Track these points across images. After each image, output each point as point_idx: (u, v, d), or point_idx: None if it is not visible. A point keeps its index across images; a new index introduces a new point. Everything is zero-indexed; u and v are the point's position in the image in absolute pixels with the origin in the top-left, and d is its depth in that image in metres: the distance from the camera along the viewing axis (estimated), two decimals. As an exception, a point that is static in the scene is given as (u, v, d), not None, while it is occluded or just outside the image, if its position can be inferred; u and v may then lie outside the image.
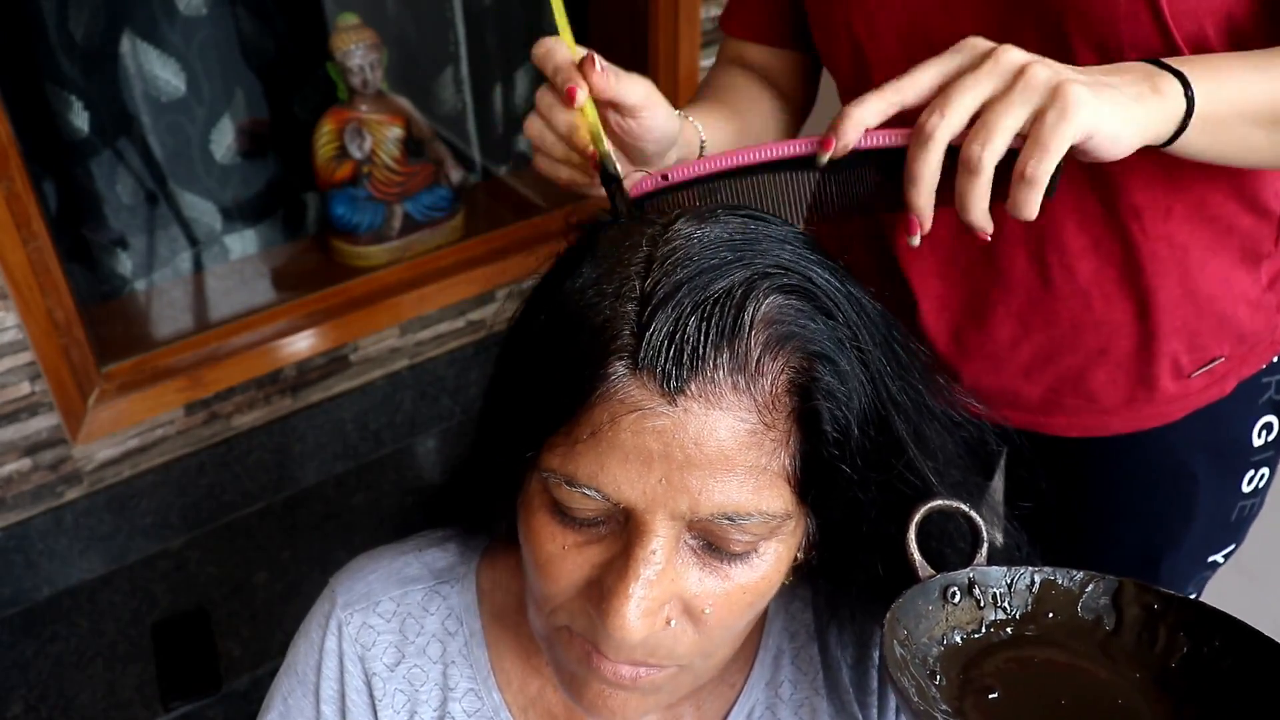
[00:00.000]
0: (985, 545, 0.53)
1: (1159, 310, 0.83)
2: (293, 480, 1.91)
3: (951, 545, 0.59)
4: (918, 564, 0.53)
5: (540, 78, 0.69)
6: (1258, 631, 0.48)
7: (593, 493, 0.51)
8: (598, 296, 0.52)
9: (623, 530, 0.53)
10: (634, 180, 0.68)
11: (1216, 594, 0.97)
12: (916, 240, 0.63)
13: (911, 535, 0.53)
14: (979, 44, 0.61)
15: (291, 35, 1.87)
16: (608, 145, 0.66)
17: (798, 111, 0.94)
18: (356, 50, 1.79)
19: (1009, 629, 0.53)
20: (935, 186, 0.61)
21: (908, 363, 0.58)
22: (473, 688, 0.69)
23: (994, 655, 0.52)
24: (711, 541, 0.53)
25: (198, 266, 1.93)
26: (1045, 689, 0.50)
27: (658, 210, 0.59)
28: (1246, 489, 0.93)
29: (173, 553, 1.80)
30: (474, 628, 0.70)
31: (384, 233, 1.92)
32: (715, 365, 0.49)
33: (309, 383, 1.85)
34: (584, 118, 0.66)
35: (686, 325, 0.49)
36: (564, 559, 0.55)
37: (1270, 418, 0.91)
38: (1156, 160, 0.76)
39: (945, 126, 0.58)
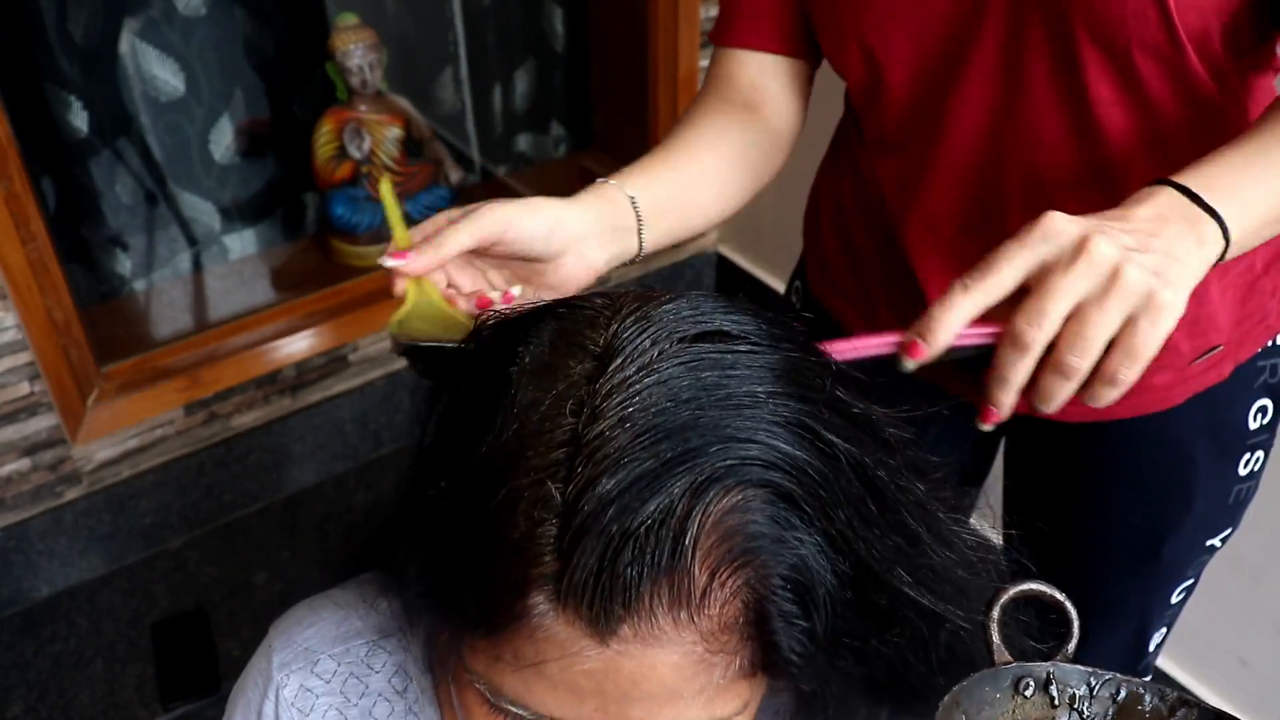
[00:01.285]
0: (1074, 640, 0.49)
1: None
2: (292, 480, 1.91)
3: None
4: (995, 648, 0.48)
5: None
6: None
7: (521, 711, 0.46)
8: (513, 495, 0.44)
9: None
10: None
11: (1217, 594, 0.97)
12: (989, 428, 0.60)
13: (994, 618, 0.48)
14: (1065, 231, 0.57)
15: (291, 35, 1.87)
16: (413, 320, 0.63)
17: (780, 143, 0.90)
18: (356, 50, 1.79)
19: None
20: (1022, 385, 0.59)
21: (905, 496, 0.50)
22: None
23: None
24: None
25: (197, 266, 1.93)
26: None
27: (592, 312, 0.49)
28: (1243, 472, 0.93)
29: (172, 553, 1.80)
30: (424, 683, 0.65)
31: (383, 233, 1.92)
32: (653, 604, 0.42)
33: (308, 383, 1.85)
34: (406, 299, 0.63)
35: (617, 560, 0.42)
36: None
37: (1265, 400, 0.91)
38: (1161, 152, 0.76)
39: (1044, 338, 0.56)
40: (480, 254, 0.68)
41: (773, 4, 0.88)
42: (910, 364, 0.58)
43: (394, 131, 1.87)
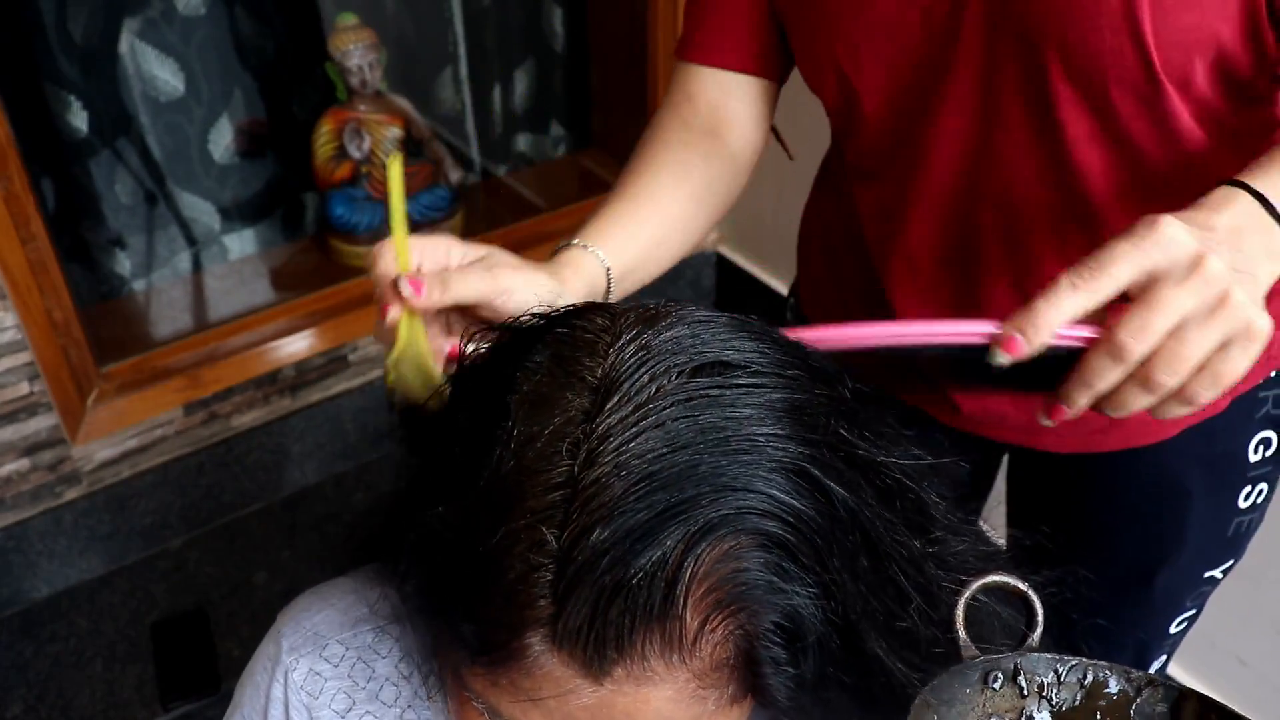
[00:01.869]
0: (1038, 630, 0.49)
1: None
2: (292, 480, 1.91)
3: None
4: (963, 644, 0.49)
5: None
6: None
7: None
8: (510, 538, 0.44)
9: None
10: None
11: (1216, 594, 0.97)
12: (1050, 423, 0.59)
13: (959, 614, 0.49)
14: (1181, 243, 0.55)
15: (291, 35, 1.87)
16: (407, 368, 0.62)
17: (740, 169, 0.88)
18: (355, 50, 1.79)
19: None
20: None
21: (898, 551, 0.50)
22: None
23: None
24: None
25: (196, 266, 1.93)
26: None
27: (591, 335, 0.48)
28: (1243, 504, 0.91)
29: (172, 553, 1.80)
30: (429, 669, 0.65)
31: (383, 233, 1.91)
32: (645, 649, 0.44)
33: (308, 383, 1.85)
34: (398, 335, 0.60)
35: (609, 608, 0.43)
36: None
37: (1268, 433, 0.89)
38: (1141, 194, 0.74)
39: (1146, 352, 0.55)
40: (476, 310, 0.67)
41: (741, 21, 0.84)
42: (1004, 359, 0.56)
43: (394, 131, 1.87)
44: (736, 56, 0.85)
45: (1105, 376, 0.55)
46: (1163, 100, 0.69)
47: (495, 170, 2.22)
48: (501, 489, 0.45)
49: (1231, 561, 0.95)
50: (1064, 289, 0.55)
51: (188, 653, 1.64)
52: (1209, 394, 0.55)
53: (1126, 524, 0.93)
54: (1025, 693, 0.49)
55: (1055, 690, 0.49)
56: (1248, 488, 0.90)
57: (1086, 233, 0.77)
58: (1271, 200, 0.59)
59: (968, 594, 0.49)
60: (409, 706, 0.66)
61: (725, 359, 0.47)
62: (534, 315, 0.52)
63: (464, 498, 0.47)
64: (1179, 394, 0.55)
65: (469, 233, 2.01)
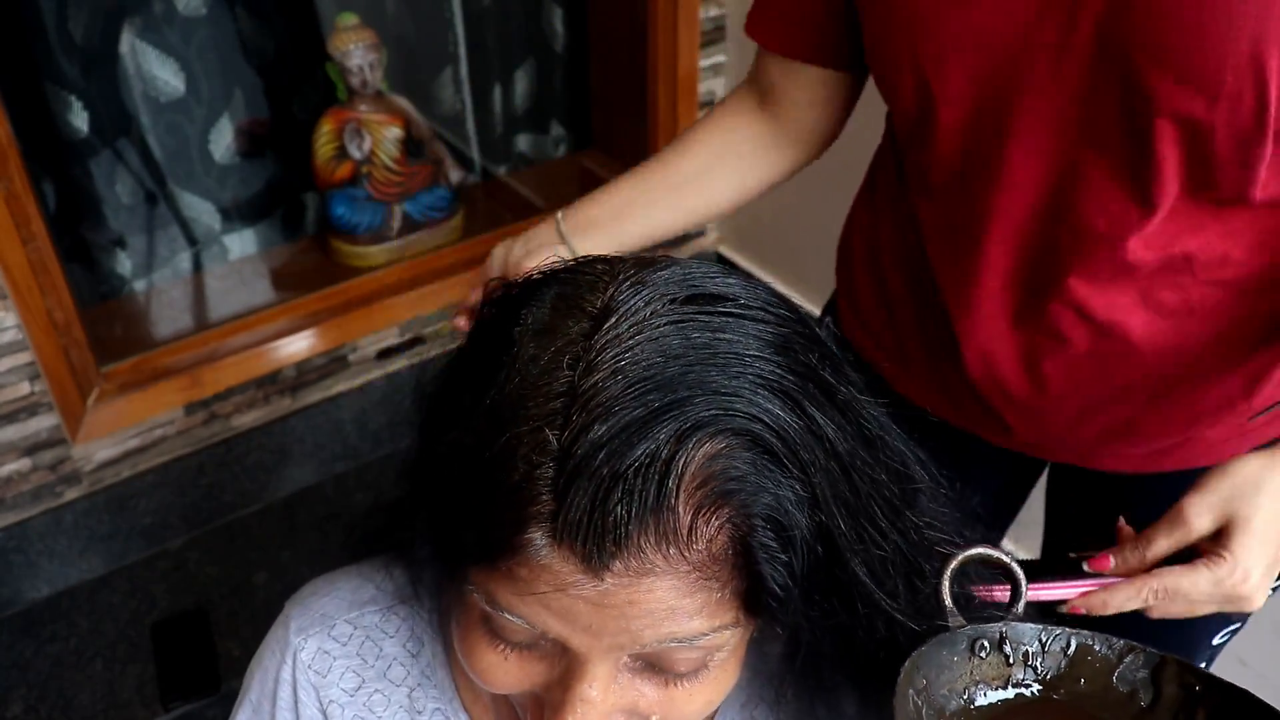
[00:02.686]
0: (1023, 600, 0.51)
1: (1209, 355, 0.79)
2: (292, 480, 1.91)
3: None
4: (949, 612, 0.51)
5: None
6: None
7: (519, 621, 0.49)
8: (514, 442, 0.47)
9: (561, 654, 0.51)
10: None
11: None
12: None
13: (946, 583, 0.51)
14: (1248, 586, 0.68)
15: (291, 35, 1.87)
16: None
17: (790, 149, 0.87)
18: (356, 50, 1.79)
19: (1036, 690, 0.50)
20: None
21: (884, 496, 0.52)
22: (439, 708, 0.67)
23: (1016, 717, 0.49)
24: (655, 661, 0.50)
25: (197, 266, 1.93)
26: None
27: (592, 276, 0.52)
28: None
29: (172, 553, 1.80)
30: (436, 648, 0.67)
31: (383, 233, 1.92)
32: (641, 540, 0.45)
33: (308, 383, 1.85)
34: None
35: (607, 500, 0.45)
36: (503, 671, 0.53)
37: None
38: (1213, 212, 0.72)
39: (1144, 606, 0.70)
40: None
41: (807, 8, 0.81)
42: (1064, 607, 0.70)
43: (394, 131, 1.87)
44: (796, 44, 0.83)
45: (1122, 605, 0.69)
46: (1259, 147, 0.67)
47: (495, 170, 2.22)
48: (507, 403, 0.48)
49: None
50: (1125, 592, 0.69)
51: (188, 653, 1.64)
52: (1169, 610, 0.70)
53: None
54: (1011, 661, 0.50)
55: (1040, 658, 0.51)
56: None
57: (1172, 273, 0.75)
58: None
59: (953, 565, 0.51)
60: (417, 685, 0.67)
61: (716, 292, 0.50)
62: (540, 271, 0.55)
63: (471, 418, 0.49)
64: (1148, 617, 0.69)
65: (469, 232, 2.01)
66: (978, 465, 0.94)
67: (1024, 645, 0.51)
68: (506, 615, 0.49)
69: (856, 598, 0.51)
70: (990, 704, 0.50)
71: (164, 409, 1.71)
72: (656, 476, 0.45)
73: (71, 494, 1.68)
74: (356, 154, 1.86)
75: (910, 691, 0.47)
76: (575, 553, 0.46)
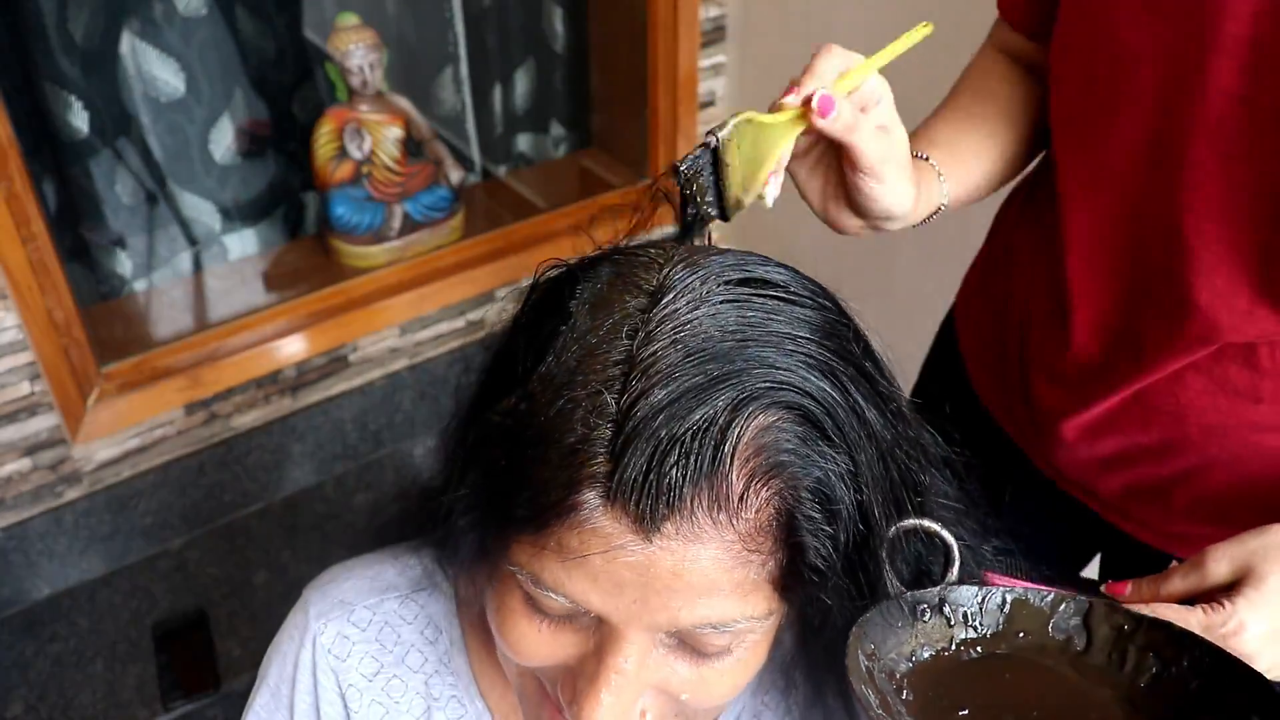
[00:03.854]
0: (957, 565, 0.53)
1: (1259, 454, 0.78)
2: (293, 480, 1.91)
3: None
4: (888, 581, 0.53)
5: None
6: (1225, 653, 0.49)
7: (560, 599, 0.50)
8: (571, 404, 0.48)
9: (596, 627, 0.51)
10: None
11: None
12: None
13: (884, 553, 0.53)
14: (1236, 625, 0.62)
15: (291, 35, 1.87)
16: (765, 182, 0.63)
17: (1038, 99, 0.86)
18: (356, 50, 1.79)
19: (979, 647, 0.53)
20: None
21: (915, 483, 0.54)
22: (455, 695, 0.68)
23: (964, 673, 0.51)
24: (689, 640, 0.51)
25: (197, 266, 1.93)
26: (1015, 707, 0.50)
27: (646, 258, 0.53)
28: None
29: (173, 553, 1.80)
30: (454, 635, 0.68)
31: (383, 233, 1.92)
32: (694, 503, 0.46)
33: (308, 383, 1.85)
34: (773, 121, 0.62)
35: (664, 462, 0.46)
36: (538, 643, 0.53)
37: None
38: None
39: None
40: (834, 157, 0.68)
41: None
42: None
43: (394, 131, 1.88)
44: (1024, 20, 0.84)
45: None
46: None
47: (496, 170, 2.22)
48: (563, 371, 0.49)
49: None
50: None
51: (188, 653, 1.64)
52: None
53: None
54: (952, 622, 0.53)
55: (979, 617, 0.53)
56: None
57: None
58: None
59: (889, 535, 0.53)
60: (434, 672, 0.68)
61: (767, 278, 0.52)
62: (593, 251, 0.57)
63: (526, 385, 0.50)
64: None
65: (469, 232, 2.01)
66: (1028, 499, 0.95)
67: (963, 606, 0.53)
68: (550, 594, 0.49)
69: (878, 580, 0.52)
70: (938, 663, 0.52)
71: (164, 409, 1.71)
72: (713, 442, 0.46)
73: (71, 494, 1.68)
74: (356, 154, 1.86)
75: (860, 655, 0.49)
76: (628, 513, 0.46)
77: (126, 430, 1.68)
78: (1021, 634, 0.53)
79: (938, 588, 0.53)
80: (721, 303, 0.49)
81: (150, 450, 1.73)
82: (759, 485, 0.47)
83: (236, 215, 1.94)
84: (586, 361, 0.49)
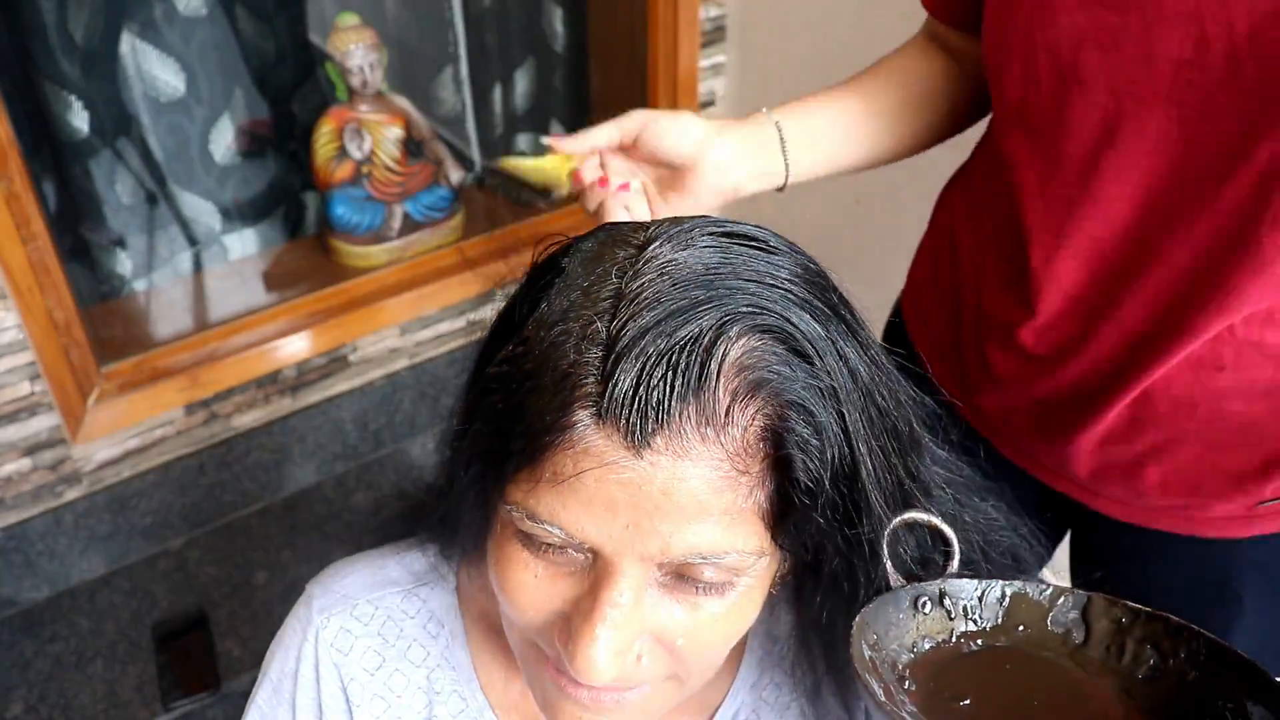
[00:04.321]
0: (956, 558, 0.54)
1: (1226, 420, 0.77)
2: (293, 480, 1.91)
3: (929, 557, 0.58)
4: (889, 573, 0.53)
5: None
6: (1223, 644, 0.49)
7: (555, 530, 0.50)
8: (564, 335, 0.50)
9: (591, 566, 0.52)
10: None
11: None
12: None
13: (884, 545, 0.53)
14: None
15: (291, 35, 1.87)
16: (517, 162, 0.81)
17: (964, 86, 0.88)
18: (356, 50, 1.79)
19: (979, 640, 0.53)
20: None
21: (897, 429, 0.55)
22: (456, 689, 0.68)
23: (965, 665, 0.52)
24: (683, 575, 0.52)
25: (197, 267, 1.93)
26: (1016, 699, 0.50)
27: (635, 225, 0.57)
28: None
29: (173, 553, 1.80)
30: (455, 629, 0.69)
31: (383, 233, 1.92)
32: (682, 418, 0.48)
33: (308, 383, 1.85)
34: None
35: (651, 376, 0.47)
36: (534, 588, 0.53)
37: None
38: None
39: None
40: (633, 155, 0.79)
41: None
42: None
43: (394, 131, 1.88)
44: (947, 12, 0.86)
45: None
46: None
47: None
48: (557, 311, 0.51)
49: None
50: None
51: (188, 653, 1.64)
52: None
53: (1163, 607, 0.90)
54: (953, 615, 0.54)
55: (979, 610, 0.54)
56: None
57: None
58: None
59: (890, 528, 0.53)
60: (436, 667, 0.68)
61: (748, 232, 0.54)
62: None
63: (523, 329, 0.52)
64: None
65: (469, 232, 2.01)
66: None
67: (963, 599, 0.54)
68: (545, 525, 0.50)
69: (867, 533, 0.53)
70: (939, 655, 0.52)
71: (164, 409, 1.71)
72: (699, 358, 0.48)
73: (71, 494, 1.68)
74: (357, 154, 1.86)
75: (864, 646, 0.49)
76: (619, 429, 0.48)
77: (126, 430, 1.68)
78: (1021, 627, 0.54)
79: (938, 580, 0.53)
80: (705, 247, 0.51)
81: (150, 450, 1.73)
82: (744, 401, 0.49)
83: (236, 215, 1.94)
84: (578, 301, 0.51)
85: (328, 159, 1.86)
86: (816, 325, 0.51)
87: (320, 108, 1.87)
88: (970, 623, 0.53)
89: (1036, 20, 0.72)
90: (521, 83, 2.14)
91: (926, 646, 0.52)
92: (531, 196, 0.81)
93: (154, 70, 1.72)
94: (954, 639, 0.53)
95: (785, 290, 0.51)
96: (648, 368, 0.47)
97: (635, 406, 0.47)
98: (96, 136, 1.70)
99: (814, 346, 0.50)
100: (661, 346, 0.48)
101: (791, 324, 0.50)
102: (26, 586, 1.70)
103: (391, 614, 0.69)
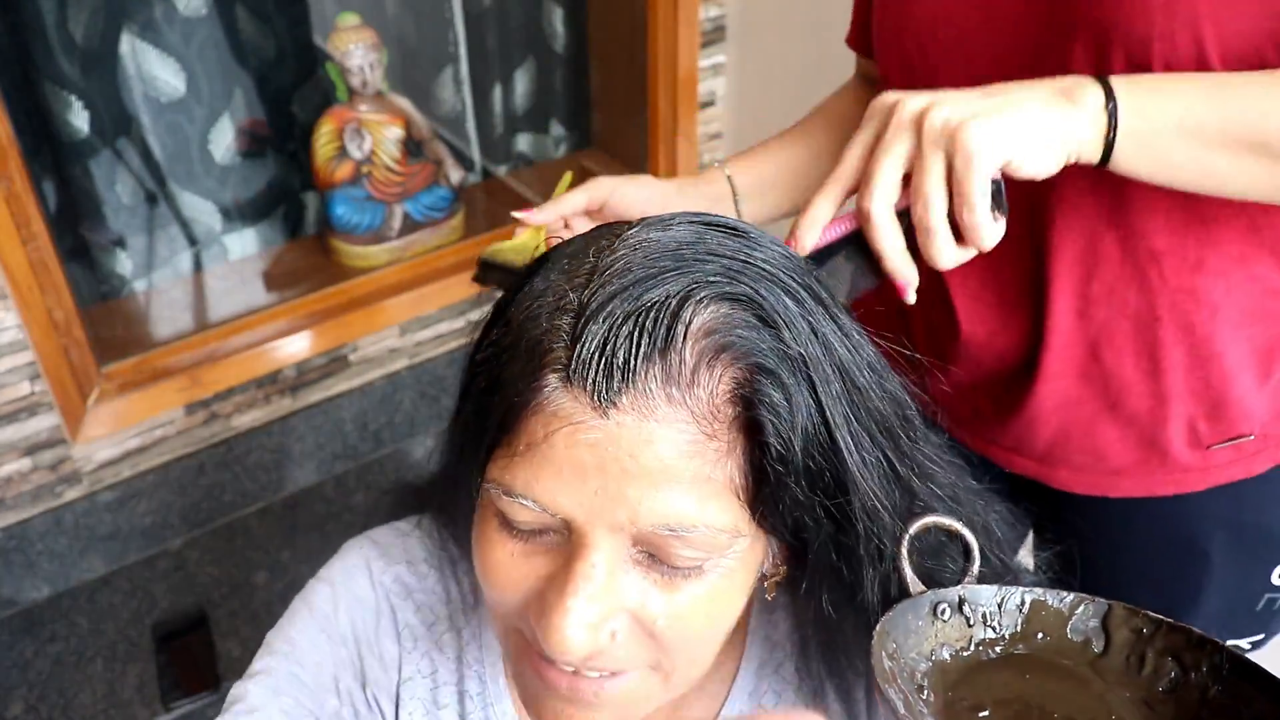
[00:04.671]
0: (976, 564, 0.53)
1: (1172, 369, 0.79)
2: (292, 480, 1.91)
3: (944, 561, 0.58)
4: (909, 579, 0.53)
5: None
6: (1245, 659, 0.48)
7: (529, 503, 0.51)
8: (539, 309, 0.51)
9: (566, 543, 0.52)
10: None
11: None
12: (911, 298, 0.64)
13: (904, 550, 0.53)
14: (884, 102, 0.62)
15: (291, 35, 1.87)
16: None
17: None
18: (356, 50, 1.79)
19: (998, 648, 0.53)
20: (902, 249, 0.62)
21: (882, 410, 0.55)
22: (479, 671, 0.68)
23: (983, 673, 0.51)
24: (656, 555, 0.52)
25: (197, 266, 1.93)
26: (1034, 709, 0.50)
27: (619, 225, 0.58)
28: (1277, 580, 0.86)
29: (172, 553, 1.80)
30: (484, 609, 0.69)
31: (383, 233, 1.92)
32: (648, 378, 0.48)
33: (308, 383, 1.85)
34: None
35: (617, 337, 0.48)
36: (510, 567, 0.54)
37: None
38: (1185, 205, 0.72)
39: (879, 200, 0.60)
40: (597, 219, 0.83)
41: (860, 9, 0.91)
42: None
43: (394, 131, 1.88)
44: (863, 44, 0.92)
45: (878, 238, 0.61)
46: None
47: (496, 170, 2.22)
48: (535, 292, 0.53)
49: (1262, 636, 0.91)
50: (817, 193, 0.63)
51: (188, 653, 1.64)
52: (969, 216, 0.59)
53: (1136, 576, 0.90)
54: (972, 622, 0.53)
55: (998, 617, 0.53)
56: None
57: (1120, 237, 0.76)
58: (1116, 92, 0.61)
59: (910, 533, 0.53)
60: (467, 644, 0.69)
61: (733, 225, 0.54)
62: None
63: (506, 315, 0.54)
64: (961, 226, 0.60)
65: (469, 232, 2.01)
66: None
67: (982, 606, 0.53)
68: (520, 500, 0.51)
69: (855, 513, 0.53)
70: (957, 663, 0.52)
71: (164, 409, 1.71)
72: (666, 320, 0.48)
73: (71, 494, 1.68)
74: (357, 154, 1.86)
75: (883, 655, 0.48)
76: (585, 390, 0.48)
77: (126, 430, 1.68)
78: (1040, 635, 0.53)
79: (958, 586, 0.53)
80: (681, 229, 0.52)
81: (150, 450, 1.73)
82: (711, 362, 0.49)
83: (236, 215, 1.94)
84: (557, 280, 0.52)
85: (328, 159, 1.86)
86: (787, 299, 0.51)
87: (320, 108, 1.87)
88: (989, 630, 0.53)
89: (908, 27, 0.79)
90: (521, 83, 2.14)
91: (945, 654, 0.52)
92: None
93: (154, 70, 1.72)
94: (972, 646, 0.52)
95: (758, 267, 0.51)
96: (614, 329, 0.48)
97: (600, 367, 0.48)
98: (96, 136, 1.70)
99: (782, 317, 0.50)
100: (628, 309, 0.49)
101: (760, 295, 0.50)
102: (26, 586, 1.70)
103: (435, 583, 0.69)
